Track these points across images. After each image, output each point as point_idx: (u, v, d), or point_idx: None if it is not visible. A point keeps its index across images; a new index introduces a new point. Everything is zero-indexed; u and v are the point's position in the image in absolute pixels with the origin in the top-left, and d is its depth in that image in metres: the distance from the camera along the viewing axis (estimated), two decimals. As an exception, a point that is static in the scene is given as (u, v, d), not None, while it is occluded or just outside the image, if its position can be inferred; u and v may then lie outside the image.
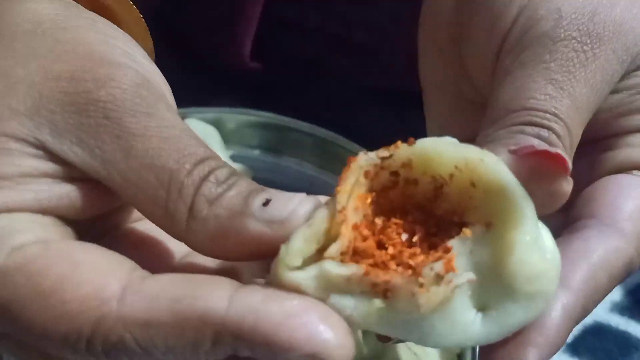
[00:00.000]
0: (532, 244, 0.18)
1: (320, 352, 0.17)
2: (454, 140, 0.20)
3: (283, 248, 0.18)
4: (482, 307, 0.19)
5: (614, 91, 0.24)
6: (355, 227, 0.19)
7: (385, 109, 0.46)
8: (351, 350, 0.18)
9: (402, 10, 0.43)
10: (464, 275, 0.18)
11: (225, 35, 0.45)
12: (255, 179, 0.41)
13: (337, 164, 0.42)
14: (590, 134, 0.24)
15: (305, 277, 0.18)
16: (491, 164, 0.19)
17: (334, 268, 0.18)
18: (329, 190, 0.44)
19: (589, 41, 0.23)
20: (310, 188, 0.41)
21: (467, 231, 0.19)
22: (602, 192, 0.24)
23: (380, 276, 0.18)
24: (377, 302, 0.18)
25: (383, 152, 0.20)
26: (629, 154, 0.25)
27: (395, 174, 0.20)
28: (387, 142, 0.46)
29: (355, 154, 0.43)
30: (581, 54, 0.23)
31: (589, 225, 0.22)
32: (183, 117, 0.40)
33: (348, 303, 0.18)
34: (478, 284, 0.19)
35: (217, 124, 0.41)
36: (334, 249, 0.19)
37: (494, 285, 0.19)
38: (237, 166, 0.40)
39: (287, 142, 0.41)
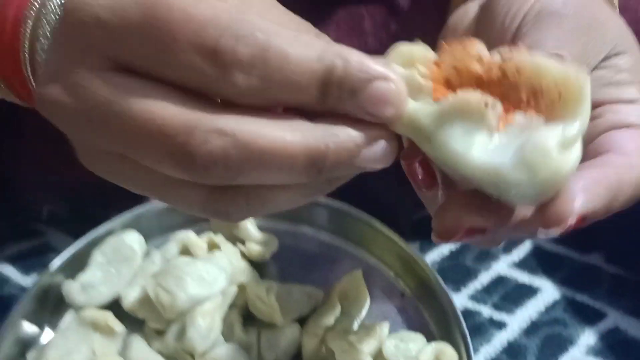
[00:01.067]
0: (570, 141, 0.20)
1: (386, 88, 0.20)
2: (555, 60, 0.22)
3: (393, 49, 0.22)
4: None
5: (598, 68, 0.27)
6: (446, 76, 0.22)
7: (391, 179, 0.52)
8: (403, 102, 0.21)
9: None
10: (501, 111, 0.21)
11: None
12: (280, 245, 0.46)
13: (349, 231, 0.48)
14: None
15: (397, 71, 0.21)
16: (582, 80, 0.21)
17: (418, 76, 0.22)
18: (343, 254, 0.49)
19: (585, 23, 0.26)
20: (326, 252, 0.46)
21: (533, 113, 0.21)
22: (600, 144, 0.26)
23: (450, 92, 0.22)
24: (435, 103, 0.21)
25: (506, 52, 0.22)
26: (613, 118, 0.27)
27: (505, 75, 0.21)
28: (395, 208, 0.51)
29: (366, 223, 0.49)
30: (580, 29, 0.26)
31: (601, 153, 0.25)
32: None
33: (413, 104, 0.22)
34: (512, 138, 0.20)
35: None
36: (423, 69, 0.22)
37: (519, 152, 0.20)
38: (264, 235, 0.46)
39: (307, 213, 0.47)
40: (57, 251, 0.45)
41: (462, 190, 0.24)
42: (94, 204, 0.51)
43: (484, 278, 0.48)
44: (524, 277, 0.48)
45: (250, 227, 0.45)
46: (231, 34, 0.20)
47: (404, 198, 0.51)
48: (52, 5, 0.26)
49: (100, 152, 0.22)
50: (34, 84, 0.26)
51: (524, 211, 0.24)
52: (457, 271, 0.48)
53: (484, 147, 0.21)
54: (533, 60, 0.21)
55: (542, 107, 0.21)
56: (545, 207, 0.22)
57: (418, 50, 0.23)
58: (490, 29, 0.29)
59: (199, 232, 0.45)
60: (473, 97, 0.21)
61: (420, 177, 0.25)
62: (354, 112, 0.21)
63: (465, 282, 0.48)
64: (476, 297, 0.47)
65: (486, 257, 0.50)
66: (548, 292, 0.47)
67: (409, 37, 0.39)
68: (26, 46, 0.26)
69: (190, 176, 0.21)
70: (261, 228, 0.47)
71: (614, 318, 0.46)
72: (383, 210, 0.47)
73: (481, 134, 0.21)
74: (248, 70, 0.20)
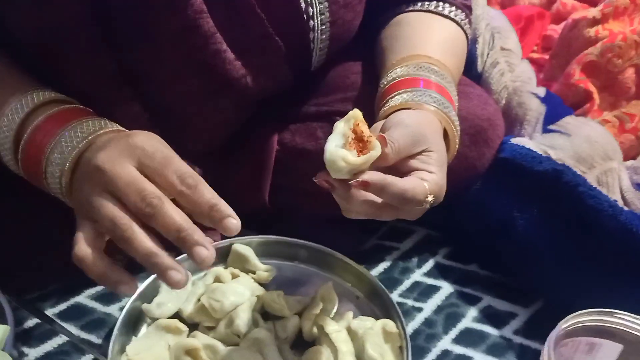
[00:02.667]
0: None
1: None
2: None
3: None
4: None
5: (420, 154, 0.51)
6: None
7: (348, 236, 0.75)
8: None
9: None
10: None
11: (254, 191, 0.72)
12: (278, 273, 0.66)
13: (320, 262, 0.69)
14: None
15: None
16: (374, 143, 0.47)
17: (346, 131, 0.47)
18: (318, 276, 0.70)
19: (414, 132, 0.51)
20: (306, 276, 0.68)
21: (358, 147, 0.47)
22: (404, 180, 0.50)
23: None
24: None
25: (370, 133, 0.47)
26: (419, 175, 0.50)
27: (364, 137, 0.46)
28: (346, 246, 0.75)
29: (330, 254, 0.70)
30: (411, 134, 0.51)
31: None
32: (230, 244, 0.67)
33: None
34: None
35: (249, 245, 0.68)
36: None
37: None
38: (266, 266, 0.67)
39: (293, 252, 0.68)
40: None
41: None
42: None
43: (407, 283, 0.72)
44: (430, 281, 0.72)
45: (257, 262, 0.67)
46: (176, 171, 0.45)
47: (351, 243, 0.75)
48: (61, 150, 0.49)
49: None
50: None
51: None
52: (389, 281, 0.72)
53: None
54: (374, 140, 0.47)
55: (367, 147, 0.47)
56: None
57: (356, 113, 0.48)
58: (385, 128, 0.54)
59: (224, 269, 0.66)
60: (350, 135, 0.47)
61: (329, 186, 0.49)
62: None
63: (395, 287, 0.71)
64: (403, 295, 0.70)
65: (406, 271, 0.74)
66: (446, 288, 0.72)
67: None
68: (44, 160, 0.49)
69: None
70: (264, 264, 0.68)
71: (487, 300, 0.70)
72: (340, 248, 0.69)
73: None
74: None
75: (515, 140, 0.73)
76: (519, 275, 0.72)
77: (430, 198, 0.49)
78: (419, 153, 0.51)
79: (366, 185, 0.47)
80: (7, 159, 0.53)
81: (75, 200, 0.47)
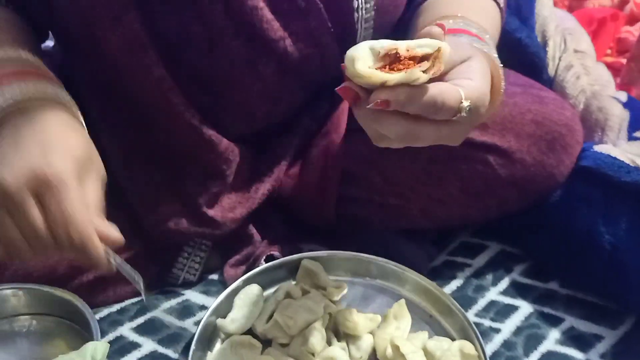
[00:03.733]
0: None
1: None
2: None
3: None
4: None
5: (462, 63, 0.45)
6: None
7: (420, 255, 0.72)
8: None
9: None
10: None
11: (319, 203, 0.70)
12: (347, 292, 0.64)
13: (393, 278, 0.66)
14: None
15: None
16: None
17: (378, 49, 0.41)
18: (389, 293, 0.67)
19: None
20: (377, 292, 0.65)
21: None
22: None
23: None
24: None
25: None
26: (461, 82, 0.44)
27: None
28: (419, 264, 0.72)
29: (404, 271, 0.68)
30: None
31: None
32: (299, 259, 0.65)
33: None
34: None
35: (318, 260, 0.66)
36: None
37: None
38: (337, 282, 0.65)
39: (364, 269, 0.66)
40: (195, 304, 0.64)
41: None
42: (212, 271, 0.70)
43: (482, 302, 0.68)
44: (507, 300, 0.68)
45: (326, 278, 0.65)
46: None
47: (422, 258, 0.72)
48: None
49: None
50: None
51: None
52: (463, 299, 0.68)
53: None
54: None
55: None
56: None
57: (445, 48, 0.42)
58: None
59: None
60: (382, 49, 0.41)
61: (351, 96, 0.44)
62: None
63: (470, 306, 0.67)
64: (479, 315, 0.66)
65: (480, 289, 0.70)
66: (524, 308, 0.67)
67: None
68: None
69: None
70: (333, 280, 0.66)
71: (570, 321, 0.66)
72: (411, 263, 0.66)
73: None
74: None
75: (598, 148, 0.68)
76: (605, 294, 0.67)
77: (465, 104, 0.43)
78: (465, 61, 0.46)
79: (387, 105, 0.41)
80: None
81: None
